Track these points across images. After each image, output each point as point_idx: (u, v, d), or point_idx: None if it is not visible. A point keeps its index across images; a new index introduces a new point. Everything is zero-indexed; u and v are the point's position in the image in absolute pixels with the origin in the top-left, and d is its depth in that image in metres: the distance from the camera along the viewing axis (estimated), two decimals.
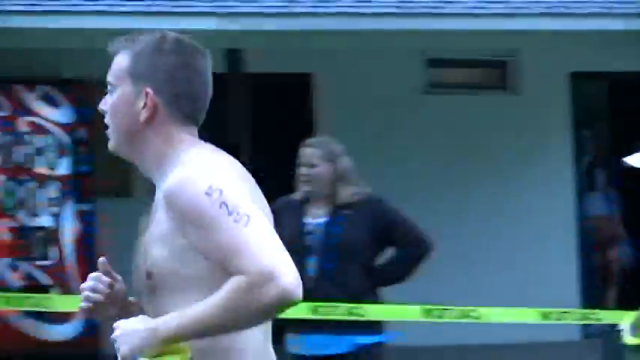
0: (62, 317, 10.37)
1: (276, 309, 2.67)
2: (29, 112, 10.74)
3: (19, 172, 10.83)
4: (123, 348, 2.76)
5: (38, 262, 10.97)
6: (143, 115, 2.87)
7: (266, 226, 2.74)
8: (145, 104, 2.87)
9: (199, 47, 3.00)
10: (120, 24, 9.91)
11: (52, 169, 10.80)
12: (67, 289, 10.41)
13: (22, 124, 10.69)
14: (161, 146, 2.93)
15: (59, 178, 10.82)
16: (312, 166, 6.20)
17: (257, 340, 2.86)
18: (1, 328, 10.74)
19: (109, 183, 11.06)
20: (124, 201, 11.02)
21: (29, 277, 10.96)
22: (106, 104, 2.92)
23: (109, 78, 2.93)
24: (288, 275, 2.62)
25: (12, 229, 10.99)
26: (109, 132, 2.93)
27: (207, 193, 2.66)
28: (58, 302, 9.39)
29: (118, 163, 9.75)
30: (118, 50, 2.96)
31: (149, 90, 2.87)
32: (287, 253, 2.69)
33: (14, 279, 10.92)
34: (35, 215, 10.95)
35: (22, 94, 10.74)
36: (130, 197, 11.12)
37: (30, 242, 11.02)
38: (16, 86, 10.69)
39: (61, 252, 10.73)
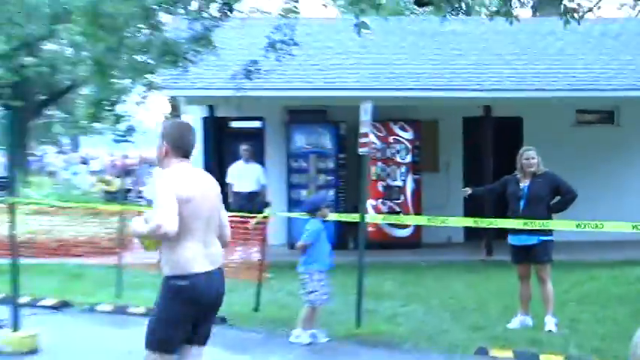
0: (403, 226, 12.00)
1: (160, 237, 3.07)
2: (393, 134, 11.92)
3: (388, 161, 11.94)
4: (131, 230, 3.33)
5: (394, 201, 11.97)
6: (163, 153, 3.31)
7: (167, 204, 3.02)
8: (164, 148, 3.30)
9: (188, 124, 3.44)
10: (438, 94, 10.98)
11: (402, 160, 11.89)
12: (408, 214, 11.75)
13: (390, 139, 11.95)
14: (167, 166, 3.30)
15: (405, 164, 11.91)
16: (534, 159, 6.54)
17: (195, 251, 3.19)
18: (377, 230, 11.70)
19: (427, 165, 12.32)
20: (434, 174, 12.62)
21: (390, 208, 11.95)
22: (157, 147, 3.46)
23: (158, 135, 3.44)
24: (164, 226, 2.98)
25: (384, 186, 11.98)
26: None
27: (156, 188, 3.16)
28: (403, 219, 11.25)
29: (431, 157, 12.85)
30: (161, 125, 3.41)
31: (165, 143, 3.31)
32: (173, 214, 3.01)
33: (383, 210, 11.92)
34: (395, 180, 11.93)
35: (391, 126, 11.96)
36: (437, 172, 12.74)
37: (391, 192, 11.95)
38: (388, 122, 11.92)
39: (404, 197, 11.86)
